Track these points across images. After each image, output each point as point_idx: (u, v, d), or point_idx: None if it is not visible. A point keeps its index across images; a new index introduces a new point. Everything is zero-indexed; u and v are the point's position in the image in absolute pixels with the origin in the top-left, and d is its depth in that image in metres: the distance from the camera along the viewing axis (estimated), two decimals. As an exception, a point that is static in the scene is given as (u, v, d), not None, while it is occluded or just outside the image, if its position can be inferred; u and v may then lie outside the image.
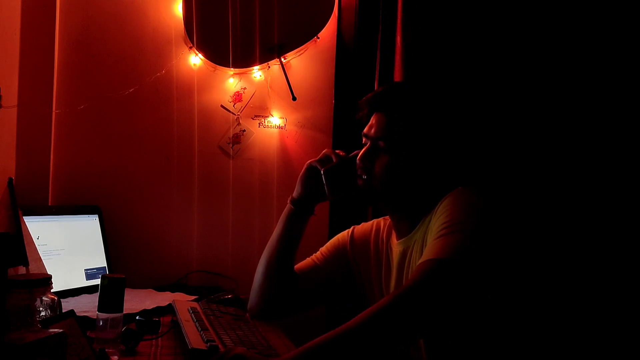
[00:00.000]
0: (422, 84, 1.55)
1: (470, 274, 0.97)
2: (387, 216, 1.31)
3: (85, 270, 1.57)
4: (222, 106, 1.83)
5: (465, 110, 1.40)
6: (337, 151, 1.29)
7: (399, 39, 1.70)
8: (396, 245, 1.22)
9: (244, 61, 1.82)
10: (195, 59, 1.82)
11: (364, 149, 1.20)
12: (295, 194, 1.33)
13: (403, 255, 1.19)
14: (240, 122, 1.84)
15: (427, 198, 1.15)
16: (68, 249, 1.54)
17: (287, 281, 1.32)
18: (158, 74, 1.79)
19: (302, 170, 1.33)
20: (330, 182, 1.24)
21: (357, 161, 1.20)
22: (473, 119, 1.64)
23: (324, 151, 1.31)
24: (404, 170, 1.15)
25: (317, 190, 1.28)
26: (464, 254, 0.97)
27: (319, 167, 1.27)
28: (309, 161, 1.32)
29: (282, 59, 1.83)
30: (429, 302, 0.95)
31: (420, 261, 1.00)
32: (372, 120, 1.20)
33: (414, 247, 1.15)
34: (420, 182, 1.16)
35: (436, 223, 1.05)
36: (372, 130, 1.18)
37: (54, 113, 1.74)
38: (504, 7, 1.75)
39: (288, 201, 1.33)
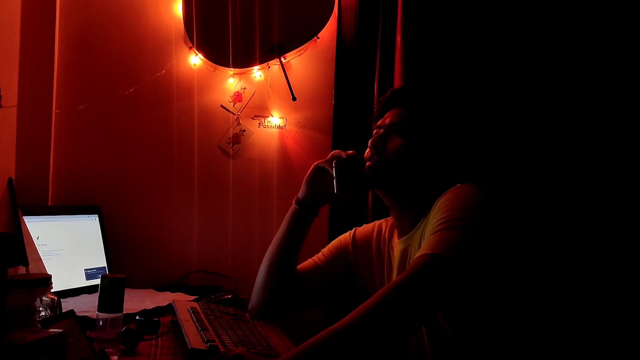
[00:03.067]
0: (436, 83, 1.59)
1: (464, 269, 0.98)
2: (389, 217, 1.32)
3: (85, 270, 1.57)
4: (222, 106, 1.83)
5: (474, 108, 1.42)
6: (348, 152, 1.29)
7: (399, 39, 1.71)
8: (397, 244, 1.22)
9: (244, 61, 1.82)
10: (195, 59, 1.82)
11: (374, 136, 1.21)
12: (300, 194, 1.33)
13: (404, 253, 1.19)
14: (240, 122, 1.84)
15: (430, 195, 1.16)
16: (68, 249, 1.54)
17: (289, 281, 1.32)
18: (158, 74, 1.79)
19: (309, 171, 1.33)
20: (340, 176, 1.23)
21: (369, 144, 1.21)
22: (480, 117, 1.65)
23: (332, 152, 1.31)
24: (415, 154, 1.16)
25: (323, 191, 1.28)
26: (459, 250, 0.97)
27: (327, 166, 1.27)
28: (316, 162, 1.32)
29: (282, 59, 1.83)
30: (421, 296, 0.95)
31: (416, 255, 1.00)
32: (388, 114, 1.22)
33: (414, 245, 1.16)
34: (428, 170, 1.17)
35: (434, 218, 1.05)
36: (387, 120, 1.21)
37: (54, 113, 1.74)
38: (503, 6, 1.75)
39: (293, 201, 1.34)
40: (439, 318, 1.11)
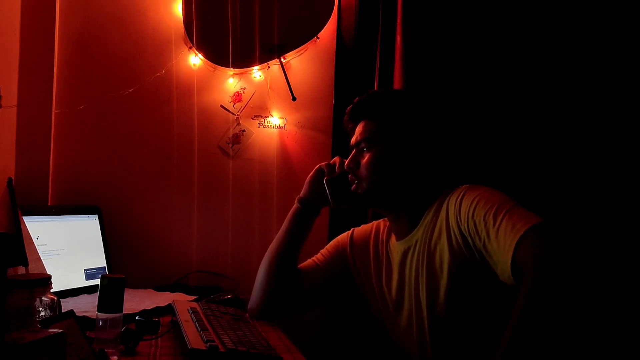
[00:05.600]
0: (397, 90, 1.61)
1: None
2: (387, 218, 1.33)
3: (84, 270, 1.57)
4: (221, 106, 1.83)
5: (442, 109, 1.43)
6: (345, 160, 1.30)
7: (398, 39, 1.71)
8: (397, 246, 1.23)
9: (243, 61, 1.82)
10: (195, 59, 1.82)
11: (349, 157, 1.25)
12: (302, 194, 1.35)
13: (404, 255, 1.19)
14: (240, 122, 1.84)
15: (421, 197, 1.18)
16: (68, 249, 1.54)
17: (289, 280, 1.32)
18: (158, 74, 1.79)
19: (312, 172, 1.35)
20: (332, 192, 1.26)
21: (347, 166, 1.24)
22: (454, 117, 1.65)
23: (334, 158, 1.33)
24: (384, 163, 1.19)
25: (324, 193, 1.30)
26: (540, 217, 0.96)
27: (325, 172, 1.30)
28: (320, 164, 1.35)
29: (282, 59, 1.83)
30: (574, 272, 0.90)
31: (514, 244, 0.93)
32: (357, 128, 1.25)
33: (416, 247, 1.17)
34: (404, 176, 1.19)
35: (474, 217, 1.03)
36: (354, 138, 1.24)
37: (53, 113, 1.74)
38: (503, 7, 1.75)
39: (296, 200, 1.35)
40: (442, 319, 1.11)
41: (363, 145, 1.21)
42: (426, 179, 1.19)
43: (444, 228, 1.11)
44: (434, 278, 1.12)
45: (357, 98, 1.27)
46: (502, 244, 0.97)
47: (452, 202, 1.10)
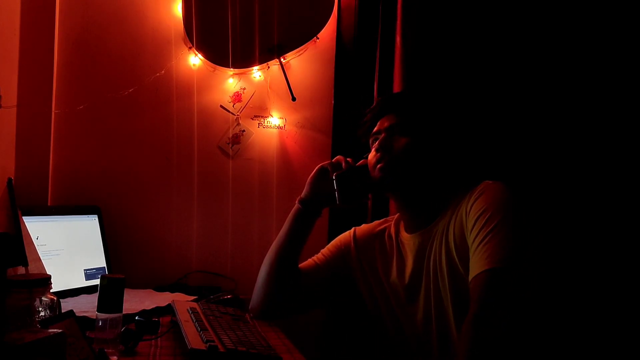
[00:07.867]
0: (428, 87, 1.63)
1: (526, 274, 1.00)
2: (388, 217, 1.35)
3: (84, 270, 1.57)
4: (221, 106, 1.83)
5: (471, 108, 1.43)
6: (348, 159, 1.30)
7: (398, 39, 1.71)
8: (410, 239, 1.23)
9: (243, 61, 1.82)
10: (195, 59, 1.82)
11: (380, 139, 1.23)
12: (303, 194, 1.34)
13: (422, 247, 1.20)
14: (240, 122, 1.84)
15: (443, 190, 1.19)
16: (67, 249, 1.54)
17: (290, 280, 1.32)
18: (157, 74, 1.79)
19: (313, 172, 1.34)
20: (341, 188, 1.25)
21: (376, 148, 1.22)
22: (480, 116, 1.66)
23: (336, 157, 1.32)
24: (423, 150, 1.19)
25: (326, 193, 1.29)
26: (517, 257, 1.00)
27: (330, 171, 1.29)
28: (321, 164, 1.33)
29: (282, 59, 1.83)
30: (508, 314, 0.97)
31: (475, 273, 1.02)
32: (382, 120, 1.25)
33: (435, 239, 1.17)
34: (437, 167, 1.20)
35: (475, 223, 1.07)
36: (386, 124, 1.23)
37: (53, 113, 1.74)
38: (503, 6, 1.75)
39: (296, 201, 1.34)
40: (449, 323, 1.11)
41: (397, 129, 1.21)
42: (451, 171, 1.22)
43: (464, 220, 1.13)
44: (456, 268, 1.12)
45: (385, 95, 1.32)
46: (473, 263, 1.04)
47: (472, 197, 1.12)
